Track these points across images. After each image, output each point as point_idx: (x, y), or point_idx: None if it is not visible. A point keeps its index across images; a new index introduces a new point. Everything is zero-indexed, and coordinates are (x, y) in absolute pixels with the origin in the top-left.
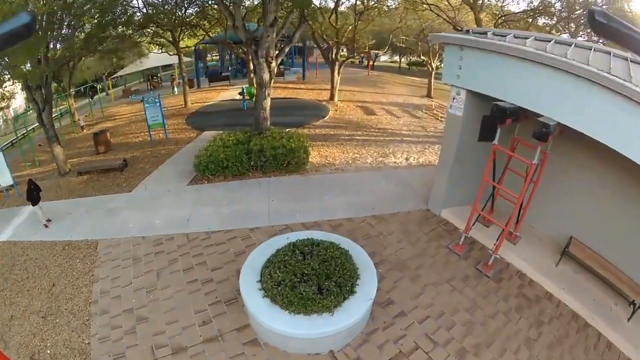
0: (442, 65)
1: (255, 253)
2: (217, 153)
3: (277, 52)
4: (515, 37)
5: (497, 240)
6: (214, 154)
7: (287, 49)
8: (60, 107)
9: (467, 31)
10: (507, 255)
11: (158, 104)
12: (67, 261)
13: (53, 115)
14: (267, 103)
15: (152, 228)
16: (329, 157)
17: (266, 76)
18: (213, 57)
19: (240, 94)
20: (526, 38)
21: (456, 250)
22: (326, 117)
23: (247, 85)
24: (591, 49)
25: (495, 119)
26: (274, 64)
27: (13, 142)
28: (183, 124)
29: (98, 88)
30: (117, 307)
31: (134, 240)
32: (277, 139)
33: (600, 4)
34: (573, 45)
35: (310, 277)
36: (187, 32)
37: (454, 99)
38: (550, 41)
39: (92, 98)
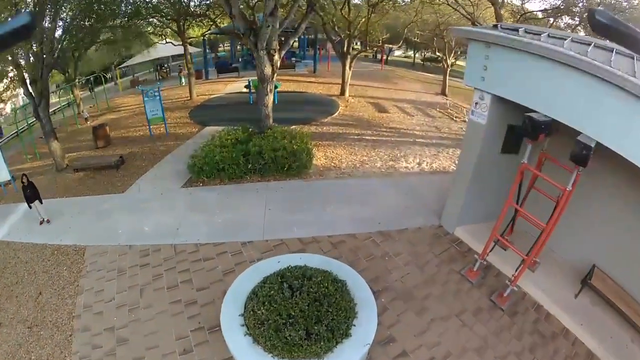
0: (457, 62)
1: (241, 279)
2: (213, 154)
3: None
4: (550, 36)
5: (516, 270)
6: (209, 155)
7: (291, 41)
8: (68, 98)
9: (495, 26)
10: (525, 284)
11: (158, 97)
12: (55, 268)
13: (59, 106)
14: (270, 99)
15: (140, 236)
16: (335, 160)
17: (268, 70)
18: (225, 48)
19: (246, 87)
20: (562, 39)
21: (469, 277)
22: (335, 114)
23: (255, 78)
24: (633, 58)
25: (527, 134)
26: (276, 56)
27: (18, 132)
28: (186, 118)
29: (103, 78)
30: (99, 324)
31: (121, 250)
32: (279, 139)
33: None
34: (614, 52)
35: (297, 319)
36: (192, 22)
37: (476, 104)
38: (589, 44)
39: (91, 91)
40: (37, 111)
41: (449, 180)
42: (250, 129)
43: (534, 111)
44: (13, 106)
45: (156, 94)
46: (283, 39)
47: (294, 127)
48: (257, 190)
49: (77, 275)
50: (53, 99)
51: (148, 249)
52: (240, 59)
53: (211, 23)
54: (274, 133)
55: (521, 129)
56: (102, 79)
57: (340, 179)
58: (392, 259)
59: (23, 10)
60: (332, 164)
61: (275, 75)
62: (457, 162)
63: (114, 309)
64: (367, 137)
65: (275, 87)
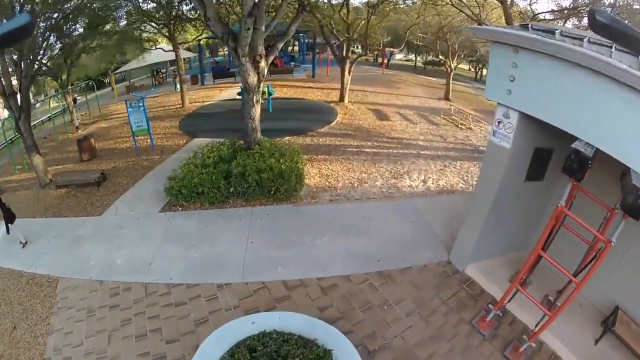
0: (458, 65)
1: (207, 345)
2: (191, 175)
3: (265, 48)
4: (590, 41)
5: (536, 326)
6: (188, 177)
7: (280, 45)
8: (64, 104)
9: (524, 26)
10: (543, 332)
11: (142, 108)
12: (29, 300)
13: (50, 114)
14: (256, 111)
15: (112, 269)
16: (331, 178)
17: (252, 79)
18: (226, 52)
19: (239, 94)
20: (606, 46)
21: (481, 328)
22: (333, 123)
23: None
24: None
25: (572, 172)
26: (262, 63)
27: (8, 141)
28: (175, 128)
29: (95, 84)
30: None
31: (92, 285)
32: (266, 156)
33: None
34: None
35: None
36: (184, 27)
37: (499, 122)
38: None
39: (77, 96)
40: (17, 125)
41: (457, 202)
42: (236, 144)
43: (573, 137)
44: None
45: (140, 104)
46: (273, 42)
47: (287, 138)
48: (239, 217)
49: (48, 311)
50: (46, 106)
51: (118, 287)
52: (236, 64)
53: (203, 27)
54: (262, 149)
55: (564, 166)
56: (94, 85)
57: (335, 202)
58: (392, 309)
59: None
60: (327, 182)
61: (262, 84)
62: (465, 178)
63: (82, 356)
64: (366, 150)
65: (269, 94)
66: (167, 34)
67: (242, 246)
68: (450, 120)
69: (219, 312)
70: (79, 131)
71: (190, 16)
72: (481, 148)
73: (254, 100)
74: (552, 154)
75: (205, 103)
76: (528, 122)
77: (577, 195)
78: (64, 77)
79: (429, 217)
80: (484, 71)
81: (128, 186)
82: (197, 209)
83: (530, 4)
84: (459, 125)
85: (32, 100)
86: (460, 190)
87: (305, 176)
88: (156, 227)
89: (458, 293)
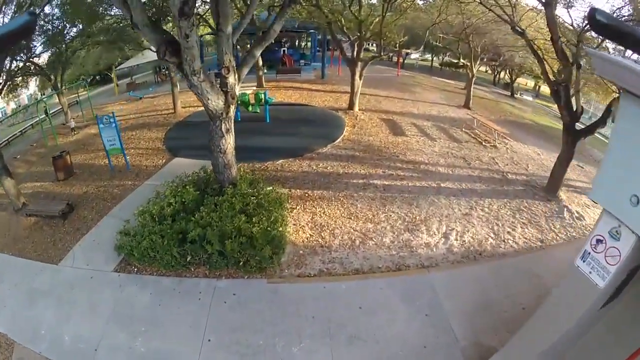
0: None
1: None
2: (142, 233)
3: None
4: None
5: None
6: (138, 235)
7: (257, 51)
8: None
9: None
10: None
11: (114, 124)
12: None
13: (38, 118)
14: (227, 143)
15: (60, 347)
16: (326, 230)
17: (215, 103)
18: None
19: None
20: None
21: None
22: (339, 139)
23: (242, 92)
24: None
25: None
26: (231, 78)
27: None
28: (159, 141)
29: (86, 83)
30: None
31: None
32: (238, 208)
33: None
34: None
35: None
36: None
37: (598, 242)
38: None
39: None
40: None
41: (485, 277)
42: (209, 180)
43: None
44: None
45: (111, 120)
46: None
47: (281, 161)
48: (199, 295)
49: None
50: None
51: None
52: None
53: (200, 22)
54: (235, 195)
55: None
56: (98, 80)
57: (326, 276)
58: None
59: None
60: (321, 238)
61: (234, 107)
62: (495, 228)
63: None
64: (375, 181)
65: (267, 102)
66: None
67: (197, 344)
68: (473, 136)
69: None
70: (74, 133)
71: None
72: (509, 176)
73: (223, 129)
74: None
75: (199, 108)
76: None
77: None
78: (56, 77)
79: (448, 305)
80: (503, 74)
81: (91, 224)
82: (154, 273)
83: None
84: (483, 143)
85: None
86: (490, 249)
87: (293, 228)
88: (107, 296)
89: None
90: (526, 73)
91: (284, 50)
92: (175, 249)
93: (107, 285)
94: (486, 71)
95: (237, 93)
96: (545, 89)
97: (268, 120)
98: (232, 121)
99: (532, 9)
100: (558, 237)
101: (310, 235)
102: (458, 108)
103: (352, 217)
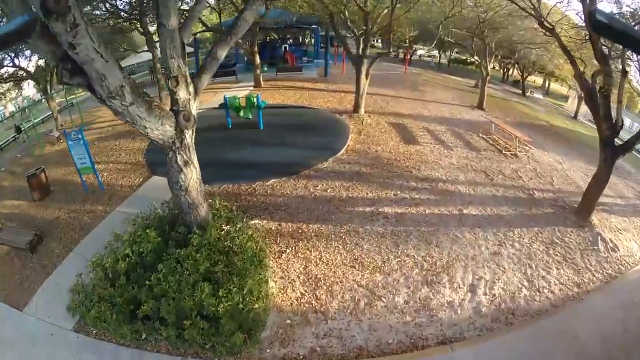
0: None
1: None
2: (91, 298)
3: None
4: None
5: None
6: (87, 300)
7: (222, 52)
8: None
9: None
10: None
11: (82, 141)
12: None
13: (29, 123)
14: (190, 179)
15: None
16: (322, 285)
17: (158, 132)
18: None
19: (221, 105)
20: None
21: None
22: (342, 151)
23: (232, 95)
24: None
25: None
26: (182, 92)
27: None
28: (139, 153)
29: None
30: None
31: None
32: (202, 270)
33: None
34: None
35: None
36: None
37: None
38: None
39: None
40: None
41: (522, 351)
42: (176, 222)
43: None
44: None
45: (80, 136)
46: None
47: (272, 181)
48: None
49: None
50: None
51: None
52: (236, 61)
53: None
54: (201, 248)
55: None
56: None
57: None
58: None
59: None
60: (314, 299)
61: (191, 130)
62: (528, 273)
63: None
64: (385, 208)
65: (259, 107)
66: (141, 29)
67: None
68: (491, 143)
69: None
70: (60, 142)
71: None
72: (536, 194)
73: (179, 161)
74: None
75: None
76: None
77: None
78: (44, 81)
79: None
80: (513, 72)
81: (57, 261)
82: (112, 340)
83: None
84: (503, 151)
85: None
86: (524, 304)
87: (280, 284)
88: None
89: None
90: (538, 71)
91: (285, 47)
92: (126, 326)
93: (65, 347)
94: (493, 67)
95: (194, 111)
96: (555, 87)
97: (262, 127)
98: (192, 149)
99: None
100: (594, 278)
101: (301, 294)
102: (471, 109)
103: (357, 265)
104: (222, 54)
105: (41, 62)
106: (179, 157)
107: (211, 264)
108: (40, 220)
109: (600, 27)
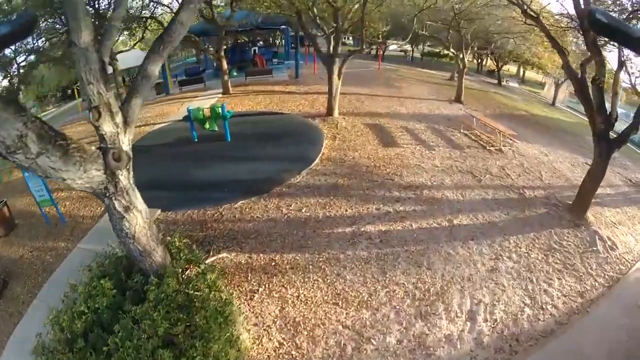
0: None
1: None
2: None
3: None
4: None
5: None
6: None
7: (154, 67)
8: None
9: None
10: None
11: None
12: None
13: None
14: (135, 225)
15: None
16: (302, 330)
17: (83, 181)
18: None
19: (185, 118)
20: None
21: None
22: (316, 161)
23: (196, 107)
24: None
25: None
26: (108, 126)
27: None
28: None
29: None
30: None
31: None
32: (161, 333)
33: None
34: None
35: None
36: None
37: None
38: None
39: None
40: None
41: None
42: (132, 271)
43: None
44: None
45: None
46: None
47: (240, 203)
48: None
49: None
50: None
51: None
52: (203, 67)
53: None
54: (158, 304)
55: None
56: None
57: None
58: None
59: None
60: (294, 349)
61: (126, 170)
62: (529, 289)
63: None
64: (368, 227)
65: (224, 117)
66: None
67: None
68: (474, 138)
69: None
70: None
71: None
72: (527, 193)
73: (119, 207)
74: None
75: (155, 126)
76: None
77: None
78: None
79: None
80: (487, 62)
81: (23, 309)
82: None
83: None
84: (487, 147)
85: None
86: (528, 327)
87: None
88: None
89: None
90: (513, 60)
91: (254, 50)
92: None
93: None
94: (468, 59)
95: (127, 147)
96: (530, 75)
97: (229, 139)
98: (133, 190)
99: None
100: (597, 284)
101: (279, 343)
102: (449, 103)
103: (340, 301)
104: (155, 69)
105: None
106: (116, 203)
107: (171, 324)
108: (5, 259)
109: (599, 26)
